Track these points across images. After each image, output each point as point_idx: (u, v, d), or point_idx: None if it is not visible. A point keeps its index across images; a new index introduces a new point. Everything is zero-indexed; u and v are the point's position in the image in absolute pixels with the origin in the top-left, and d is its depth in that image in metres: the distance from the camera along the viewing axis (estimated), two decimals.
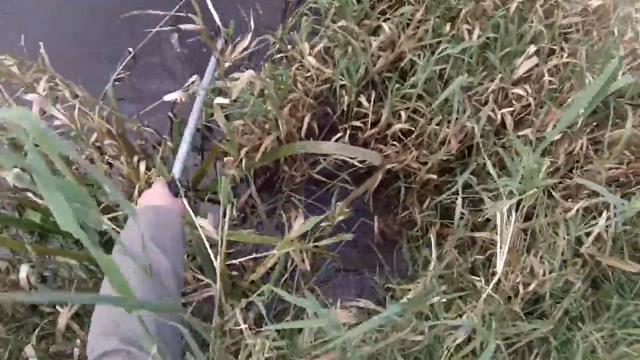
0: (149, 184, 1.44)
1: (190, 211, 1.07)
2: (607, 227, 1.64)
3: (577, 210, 1.64)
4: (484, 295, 1.33)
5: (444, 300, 1.45)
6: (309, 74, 1.72)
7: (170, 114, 1.86)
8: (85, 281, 1.40)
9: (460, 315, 1.46)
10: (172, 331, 0.77)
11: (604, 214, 1.55)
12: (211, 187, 1.78)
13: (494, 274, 1.60)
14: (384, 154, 1.70)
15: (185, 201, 1.09)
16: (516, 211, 1.50)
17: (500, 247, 1.31)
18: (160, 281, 0.84)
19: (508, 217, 1.37)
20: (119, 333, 0.73)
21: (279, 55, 1.86)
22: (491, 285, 1.31)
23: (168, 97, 1.36)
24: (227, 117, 1.72)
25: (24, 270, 1.30)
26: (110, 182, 0.59)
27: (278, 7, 2.17)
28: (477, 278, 1.42)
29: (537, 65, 1.81)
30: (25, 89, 1.49)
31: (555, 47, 1.90)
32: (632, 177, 1.82)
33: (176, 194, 1.13)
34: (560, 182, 1.78)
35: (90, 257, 1.51)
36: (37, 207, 1.43)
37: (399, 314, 1.24)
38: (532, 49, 1.80)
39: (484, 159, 1.69)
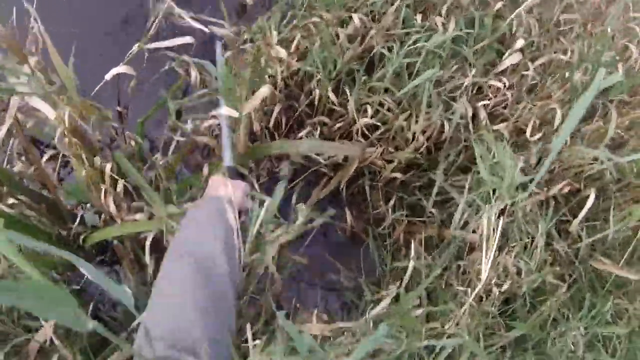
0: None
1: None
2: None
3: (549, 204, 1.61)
4: (466, 305, 1.28)
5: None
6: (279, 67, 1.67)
7: None
8: None
9: (443, 326, 1.41)
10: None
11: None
12: (182, 186, 1.73)
13: (464, 272, 1.56)
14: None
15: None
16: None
17: (486, 255, 1.26)
18: (218, 285, 0.80)
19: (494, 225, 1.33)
20: (174, 340, 0.69)
21: (248, 45, 1.80)
22: (473, 295, 1.26)
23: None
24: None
25: None
26: (124, 290, 0.56)
27: None
28: (462, 288, 1.37)
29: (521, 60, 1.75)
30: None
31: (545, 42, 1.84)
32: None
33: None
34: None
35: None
36: None
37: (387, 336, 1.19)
38: (520, 42, 1.73)
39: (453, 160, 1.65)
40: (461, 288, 1.45)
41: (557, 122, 1.65)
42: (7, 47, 1.22)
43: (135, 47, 1.62)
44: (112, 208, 1.33)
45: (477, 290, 1.34)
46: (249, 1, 2.04)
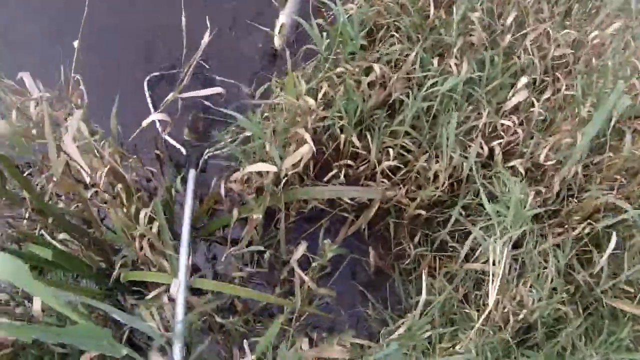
0: None
1: None
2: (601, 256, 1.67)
3: (569, 237, 1.69)
4: (477, 326, 1.37)
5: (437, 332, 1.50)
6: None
7: None
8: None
9: (454, 346, 1.50)
10: None
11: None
12: (211, 227, 1.83)
13: (484, 304, 1.64)
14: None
15: None
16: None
17: (492, 282, 1.35)
18: None
19: (500, 252, 1.41)
20: None
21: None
22: (483, 317, 1.35)
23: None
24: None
25: (37, 303, 1.33)
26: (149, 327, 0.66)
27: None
28: (469, 308, 1.46)
29: (527, 98, 1.84)
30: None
31: (547, 79, 1.93)
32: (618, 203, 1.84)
33: None
34: (552, 212, 1.81)
35: (93, 291, 1.59)
36: (39, 241, 1.49)
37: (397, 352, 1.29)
38: (523, 80, 1.83)
39: (473, 194, 1.74)
40: (467, 310, 1.54)
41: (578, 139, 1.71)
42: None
43: (170, 96, 1.75)
44: (144, 251, 1.45)
45: (485, 313, 1.41)
46: (278, 46, 2.16)
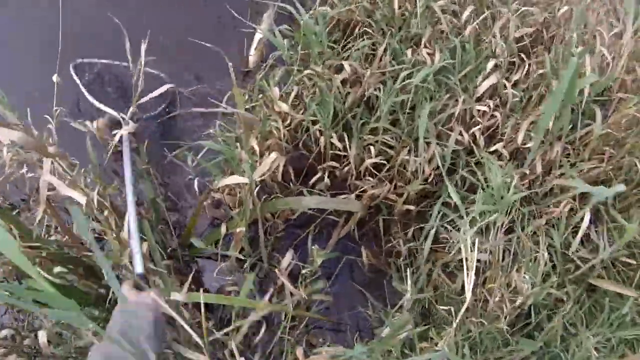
0: None
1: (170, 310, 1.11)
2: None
3: (559, 216, 1.67)
4: (454, 324, 1.34)
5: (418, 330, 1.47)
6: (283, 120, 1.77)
7: None
8: None
9: (437, 344, 1.47)
10: None
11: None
12: (206, 242, 1.82)
13: (481, 293, 1.62)
14: (361, 189, 1.74)
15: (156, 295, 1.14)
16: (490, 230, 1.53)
17: (467, 275, 1.33)
18: None
19: (472, 244, 1.38)
20: None
21: (251, 105, 1.90)
22: (460, 315, 1.32)
23: None
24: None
25: (42, 336, 1.38)
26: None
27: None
28: (445, 308, 1.44)
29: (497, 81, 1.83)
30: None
31: (516, 60, 1.93)
32: (612, 173, 1.83)
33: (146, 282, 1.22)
34: (536, 193, 1.80)
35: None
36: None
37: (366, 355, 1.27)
38: (491, 64, 1.82)
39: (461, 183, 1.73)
40: (444, 308, 1.52)
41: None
42: (28, 145, 1.34)
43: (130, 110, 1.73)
44: None
45: (463, 308, 1.36)
46: (251, 65, 2.16)
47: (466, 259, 1.21)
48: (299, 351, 1.39)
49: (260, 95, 1.83)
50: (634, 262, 1.64)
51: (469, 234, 1.28)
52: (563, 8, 2.09)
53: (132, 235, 1.39)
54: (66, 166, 1.48)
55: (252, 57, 2.18)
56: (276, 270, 1.53)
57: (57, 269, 1.51)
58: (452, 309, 1.37)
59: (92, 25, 2.27)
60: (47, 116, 1.59)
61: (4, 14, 2.40)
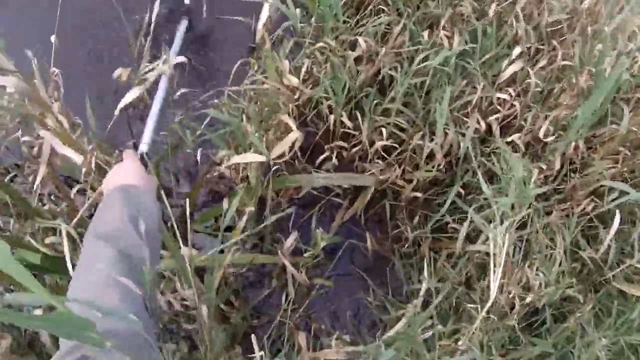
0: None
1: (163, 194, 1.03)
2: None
3: (574, 214, 1.62)
4: (478, 321, 1.29)
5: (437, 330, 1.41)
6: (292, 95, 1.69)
7: None
8: None
9: (456, 342, 1.42)
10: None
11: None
12: (204, 217, 1.75)
13: (488, 287, 1.56)
14: (369, 172, 1.67)
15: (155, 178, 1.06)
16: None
17: (494, 272, 1.27)
18: (137, 267, 0.79)
19: (503, 238, 1.33)
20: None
21: (261, 76, 1.82)
22: (484, 311, 1.27)
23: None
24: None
25: None
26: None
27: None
28: (473, 305, 1.37)
29: (522, 68, 1.76)
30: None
31: (542, 47, 1.85)
32: (627, 174, 1.77)
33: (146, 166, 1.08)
34: (555, 189, 1.74)
35: None
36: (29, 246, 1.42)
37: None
38: (517, 50, 1.75)
39: (473, 172, 1.67)
40: (471, 306, 1.46)
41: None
42: (31, 98, 1.26)
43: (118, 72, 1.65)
44: None
45: (487, 306, 1.33)
46: (258, 37, 2.06)
47: (494, 254, 1.15)
48: (302, 337, 1.33)
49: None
50: None
51: (501, 229, 1.22)
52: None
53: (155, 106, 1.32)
54: (68, 126, 1.41)
55: (260, 27, 2.08)
56: (279, 252, 1.47)
57: (50, 239, 1.44)
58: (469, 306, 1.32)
59: None
60: (55, 68, 1.51)
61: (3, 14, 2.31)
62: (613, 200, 1.58)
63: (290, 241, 1.51)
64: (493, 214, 1.49)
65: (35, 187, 1.40)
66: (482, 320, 1.31)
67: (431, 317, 1.43)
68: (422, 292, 1.34)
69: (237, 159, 1.37)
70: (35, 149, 1.53)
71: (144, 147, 1.25)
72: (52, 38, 1.59)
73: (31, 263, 1.30)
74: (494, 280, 1.15)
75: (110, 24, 2.16)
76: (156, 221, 0.91)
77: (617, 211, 1.52)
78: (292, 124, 1.37)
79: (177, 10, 1.95)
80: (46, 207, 1.54)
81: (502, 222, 1.36)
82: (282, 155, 1.46)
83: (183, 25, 1.88)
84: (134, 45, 1.72)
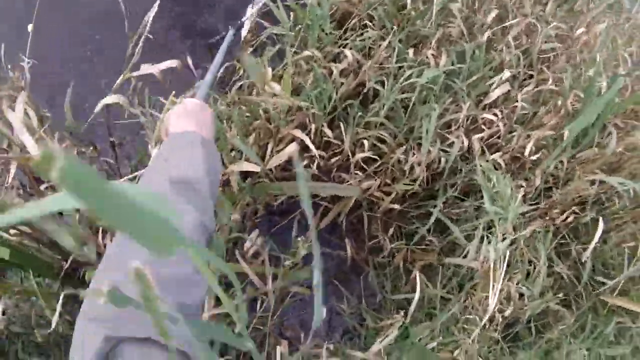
0: None
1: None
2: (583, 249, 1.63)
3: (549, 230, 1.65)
4: (474, 334, 1.32)
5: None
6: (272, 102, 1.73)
7: None
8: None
9: (453, 352, 1.44)
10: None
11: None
12: None
13: (467, 298, 1.58)
14: (347, 182, 1.70)
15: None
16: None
17: (493, 287, 1.30)
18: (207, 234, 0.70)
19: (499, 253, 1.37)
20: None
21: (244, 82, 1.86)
22: (482, 323, 1.30)
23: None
24: None
25: None
26: None
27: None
28: (466, 327, 1.41)
29: (508, 91, 1.80)
30: None
31: (531, 72, 1.89)
32: (602, 195, 1.80)
33: None
34: (537, 205, 1.77)
35: (56, 292, 1.52)
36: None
37: None
38: (507, 74, 1.79)
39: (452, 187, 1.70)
40: (470, 316, 1.48)
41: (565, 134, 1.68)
42: None
43: (120, 78, 1.67)
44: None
45: (485, 318, 1.37)
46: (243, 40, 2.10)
47: (494, 269, 1.18)
48: (284, 345, 1.34)
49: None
50: None
51: (498, 240, 1.25)
52: (580, 28, 2.07)
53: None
54: (36, 118, 1.41)
55: (245, 33, 2.12)
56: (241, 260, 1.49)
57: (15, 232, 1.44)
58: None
59: None
60: (26, 58, 1.45)
61: None
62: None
63: (249, 247, 1.51)
64: (474, 228, 1.53)
65: (9, 179, 1.40)
66: (471, 332, 1.34)
67: (433, 330, 1.46)
68: (414, 303, 1.35)
69: (234, 167, 1.40)
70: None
71: (200, 95, 1.10)
72: (29, 27, 1.60)
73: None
74: (493, 294, 1.17)
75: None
76: (218, 178, 0.83)
77: (601, 218, 1.57)
78: (303, 137, 1.41)
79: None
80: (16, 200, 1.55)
81: (486, 238, 1.41)
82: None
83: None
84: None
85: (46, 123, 1.50)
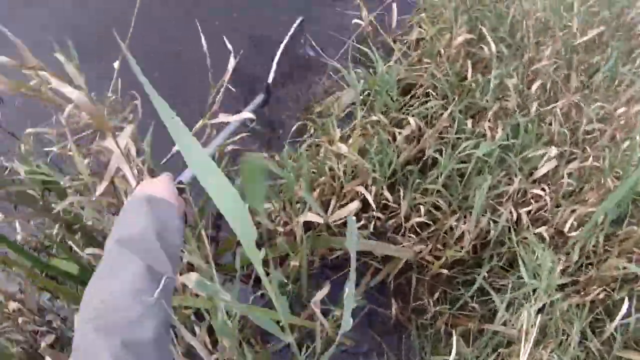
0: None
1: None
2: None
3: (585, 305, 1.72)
4: None
5: None
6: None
7: None
8: None
9: None
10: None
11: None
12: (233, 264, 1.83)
13: None
14: (401, 245, 1.76)
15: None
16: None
17: (523, 349, 1.37)
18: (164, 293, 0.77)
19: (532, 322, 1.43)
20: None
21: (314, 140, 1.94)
22: None
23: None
24: None
25: None
26: None
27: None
28: None
29: (556, 167, 1.87)
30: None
31: (575, 151, 1.97)
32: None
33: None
34: (574, 281, 1.83)
35: None
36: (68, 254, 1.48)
37: None
38: (554, 151, 1.87)
39: (497, 257, 1.77)
40: None
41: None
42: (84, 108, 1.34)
43: (199, 124, 1.74)
44: None
45: None
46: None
47: (526, 333, 1.24)
48: None
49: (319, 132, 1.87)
50: None
51: (531, 308, 1.32)
52: (621, 108, 2.15)
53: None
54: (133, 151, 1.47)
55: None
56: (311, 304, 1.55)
57: (89, 250, 1.47)
58: None
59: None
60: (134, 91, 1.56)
61: None
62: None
63: (322, 293, 1.57)
64: (526, 294, 1.59)
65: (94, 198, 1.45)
66: None
67: None
68: None
69: (300, 218, 1.46)
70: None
71: (186, 175, 1.16)
72: (115, 64, 1.68)
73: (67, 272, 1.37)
74: (523, 354, 1.24)
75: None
76: (180, 238, 0.89)
77: (626, 298, 1.62)
78: (365, 193, 1.47)
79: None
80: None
81: (532, 304, 1.47)
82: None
83: (259, 98, 1.98)
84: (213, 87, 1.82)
85: (141, 156, 1.56)
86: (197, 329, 1.46)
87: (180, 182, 1.12)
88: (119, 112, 1.56)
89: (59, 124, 1.47)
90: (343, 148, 1.76)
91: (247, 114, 1.70)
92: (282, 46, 2.10)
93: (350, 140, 1.80)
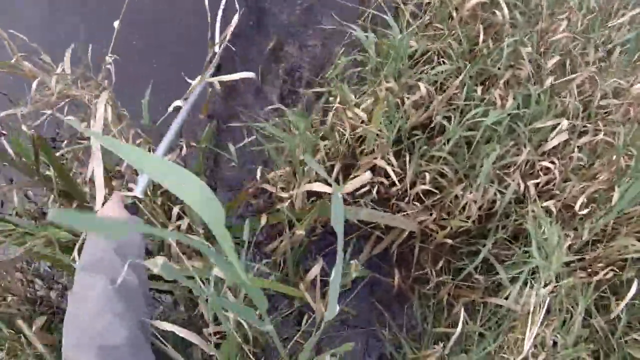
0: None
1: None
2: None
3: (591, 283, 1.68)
4: None
5: None
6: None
7: None
8: None
9: None
10: None
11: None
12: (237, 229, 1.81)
13: (503, 337, 1.62)
14: (404, 212, 1.73)
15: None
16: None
17: (530, 329, 1.35)
18: (132, 299, 0.87)
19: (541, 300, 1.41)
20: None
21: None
22: None
23: None
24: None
25: None
26: None
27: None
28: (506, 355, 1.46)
29: (567, 140, 1.83)
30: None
31: (587, 125, 1.92)
32: None
33: (134, 213, 1.10)
34: (582, 258, 1.80)
35: None
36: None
37: None
38: (565, 124, 1.82)
39: (503, 228, 1.73)
40: (504, 355, 1.52)
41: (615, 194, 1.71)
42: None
43: (197, 80, 1.72)
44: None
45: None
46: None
47: (533, 312, 1.22)
48: None
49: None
50: None
51: (540, 286, 1.29)
52: (637, 84, 2.09)
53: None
54: (114, 115, 1.45)
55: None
56: (300, 284, 1.53)
57: None
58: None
59: None
60: (109, 56, 1.53)
61: None
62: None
63: (315, 271, 1.56)
64: (520, 272, 1.56)
65: (87, 176, 1.43)
66: None
67: None
68: (455, 336, 1.40)
69: (306, 187, 1.43)
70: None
71: (141, 185, 1.16)
72: (115, 23, 1.64)
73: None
74: (529, 338, 1.21)
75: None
76: (141, 247, 0.98)
77: (636, 280, 1.59)
78: (388, 168, 1.48)
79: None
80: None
81: (530, 283, 1.44)
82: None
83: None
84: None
85: (123, 121, 1.53)
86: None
87: (135, 197, 1.14)
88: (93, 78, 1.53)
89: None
90: (361, 114, 1.72)
91: (249, 73, 1.67)
92: None
93: (363, 105, 1.76)
